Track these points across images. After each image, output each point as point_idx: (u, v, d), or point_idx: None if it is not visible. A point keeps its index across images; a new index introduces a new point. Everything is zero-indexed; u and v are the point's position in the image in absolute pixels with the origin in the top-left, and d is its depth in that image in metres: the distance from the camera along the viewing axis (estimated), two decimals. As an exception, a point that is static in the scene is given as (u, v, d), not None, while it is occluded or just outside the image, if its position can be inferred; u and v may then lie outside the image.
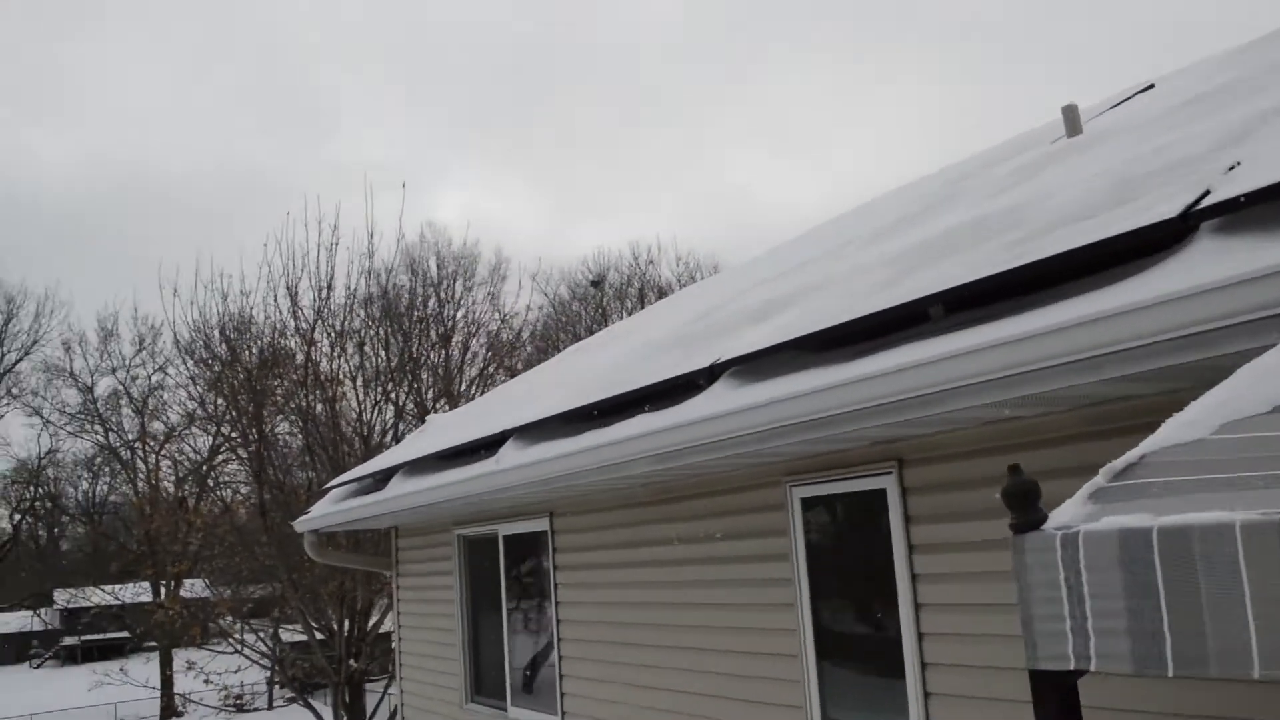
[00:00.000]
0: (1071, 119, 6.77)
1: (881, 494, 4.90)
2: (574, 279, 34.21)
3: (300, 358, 19.20)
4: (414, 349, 21.59)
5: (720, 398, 4.45)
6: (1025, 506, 1.91)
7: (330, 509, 9.50)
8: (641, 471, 5.19)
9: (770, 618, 5.50)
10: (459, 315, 23.84)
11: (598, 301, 34.64)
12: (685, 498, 6.17)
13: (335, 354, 19.72)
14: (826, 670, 5.19)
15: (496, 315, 24.34)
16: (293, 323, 19.15)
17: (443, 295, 24.21)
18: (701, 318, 6.80)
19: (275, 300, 18.85)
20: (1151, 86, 7.94)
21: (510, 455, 6.10)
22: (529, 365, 24.90)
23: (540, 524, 7.64)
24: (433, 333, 22.17)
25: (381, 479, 9.02)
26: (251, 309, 19.18)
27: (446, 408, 20.64)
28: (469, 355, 22.90)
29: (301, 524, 9.92)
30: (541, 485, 5.99)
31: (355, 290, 19.62)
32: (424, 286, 24.31)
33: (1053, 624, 1.79)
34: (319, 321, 19.07)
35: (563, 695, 7.35)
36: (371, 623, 19.41)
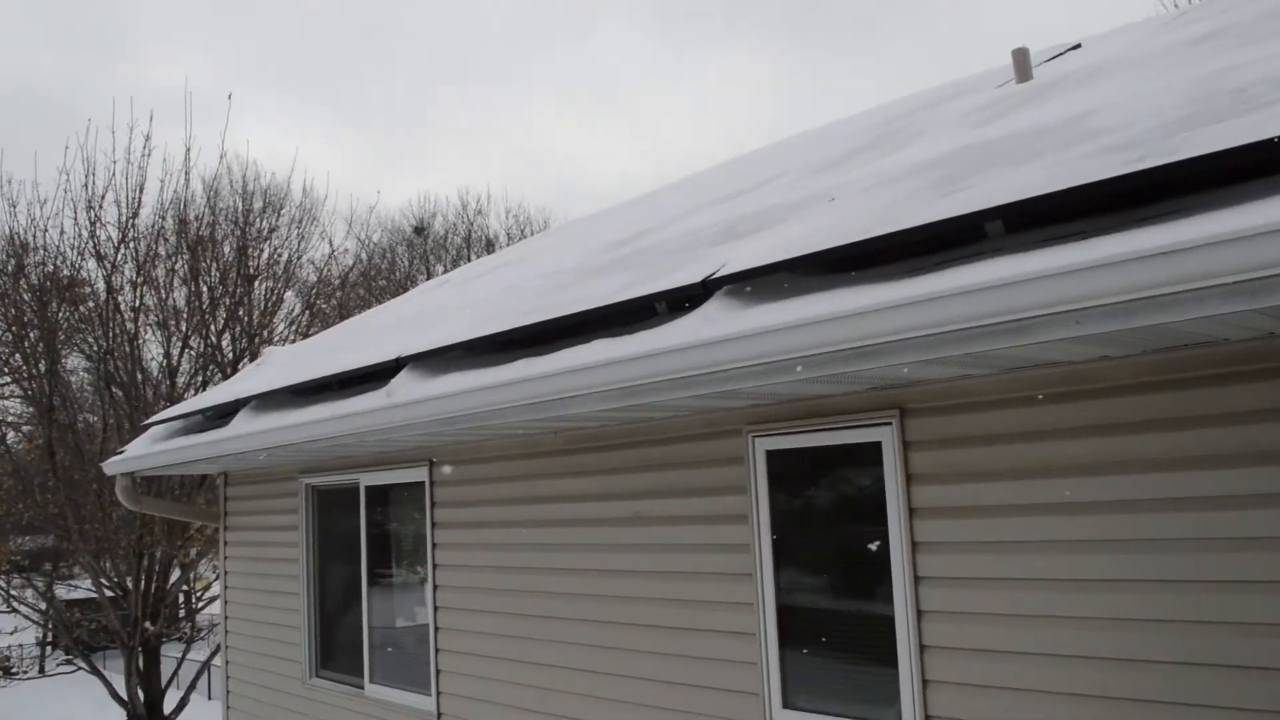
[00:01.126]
0: (1021, 64, 6.23)
1: (875, 448, 4.18)
2: (394, 225, 32.37)
3: (100, 285, 17.07)
4: (219, 287, 19.59)
5: (719, 321, 3.59)
6: None
7: (151, 448, 8.10)
8: (589, 410, 4.28)
9: (721, 589, 4.71)
10: (263, 256, 21.75)
11: (420, 249, 33.00)
12: (610, 447, 5.30)
13: (139, 284, 17.64)
14: (790, 652, 4.45)
15: (306, 259, 22.32)
16: (92, 243, 16.98)
17: (248, 231, 22.02)
18: (632, 240, 5.91)
19: (75, 215, 16.63)
20: (1079, 46, 7.55)
21: (408, 387, 5.05)
22: (345, 312, 23.25)
23: (416, 473, 6.61)
24: (233, 272, 20.11)
25: (217, 416, 7.73)
26: (46, 221, 16.83)
27: (248, 358, 18.85)
28: (272, 299, 20.95)
29: (114, 465, 8.45)
30: (446, 425, 4.98)
31: (167, 211, 17.55)
32: (227, 221, 22.10)
33: None
34: (124, 245, 16.97)
35: (438, 673, 6.37)
36: (171, 581, 17.62)
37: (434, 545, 6.46)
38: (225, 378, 18.39)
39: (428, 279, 32.09)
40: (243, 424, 6.64)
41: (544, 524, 5.67)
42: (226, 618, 8.96)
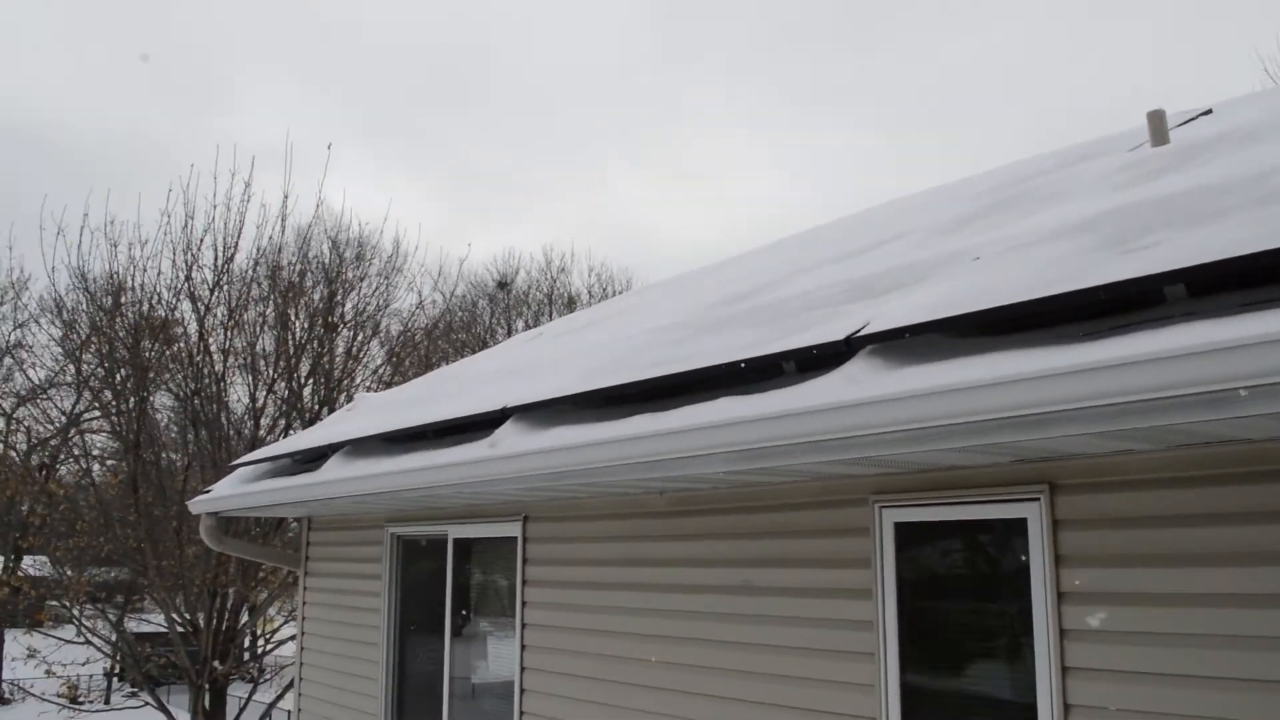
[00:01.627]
0: (1157, 127, 5.92)
1: (1019, 525, 3.85)
2: (477, 279, 32.64)
3: (193, 325, 17.31)
4: (306, 335, 19.75)
5: (865, 382, 3.32)
6: None
7: (238, 489, 8.01)
8: (710, 472, 4.03)
9: (839, 667, 4.38)
10: (349, 305, 21.87)
11: (503, 303, 33.20)
12: (720, 511, 5.03)
13: (230, 326, 17.86)
14: (916, 741, 4.10)
15: (392, 309, 22.42)
16: (187, 285, 17.25)
17: (336, 280, 22.20)
18: (747, 296, 5.70)
19: (173, 257, 16.93)
20: (1210, 112, 7.23)
21: (513, 439, 4.85)
22: (427, 364, 23.31)
23: (509, 528, 6.38)
24: (319, 320, 20.26)
25: (306, 459, 7.62)
26: (145, 261, 17.14)
27: (327, 408, 18.93)
28: (356, 347, 21.05)
29: (200, 504, 8.38)
30: (552, 480, 4.76)
31: (262, 257, 17.79)
32: (317, 269, 22.35)
33: None
34: (219, 287, 17.22)
35: (523, 735, 6.08)
36: (242, 622, 17.58)
37: (524, 603, 6.21)
38: (306, 425, 18.50)
39: (508, 333, 32.28)
40: (334, 469, 6.50)
41: (645, 588, 5.40)
42: (302, 664, 8.78)
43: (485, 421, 5.29)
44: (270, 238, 17.87)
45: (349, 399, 20.72)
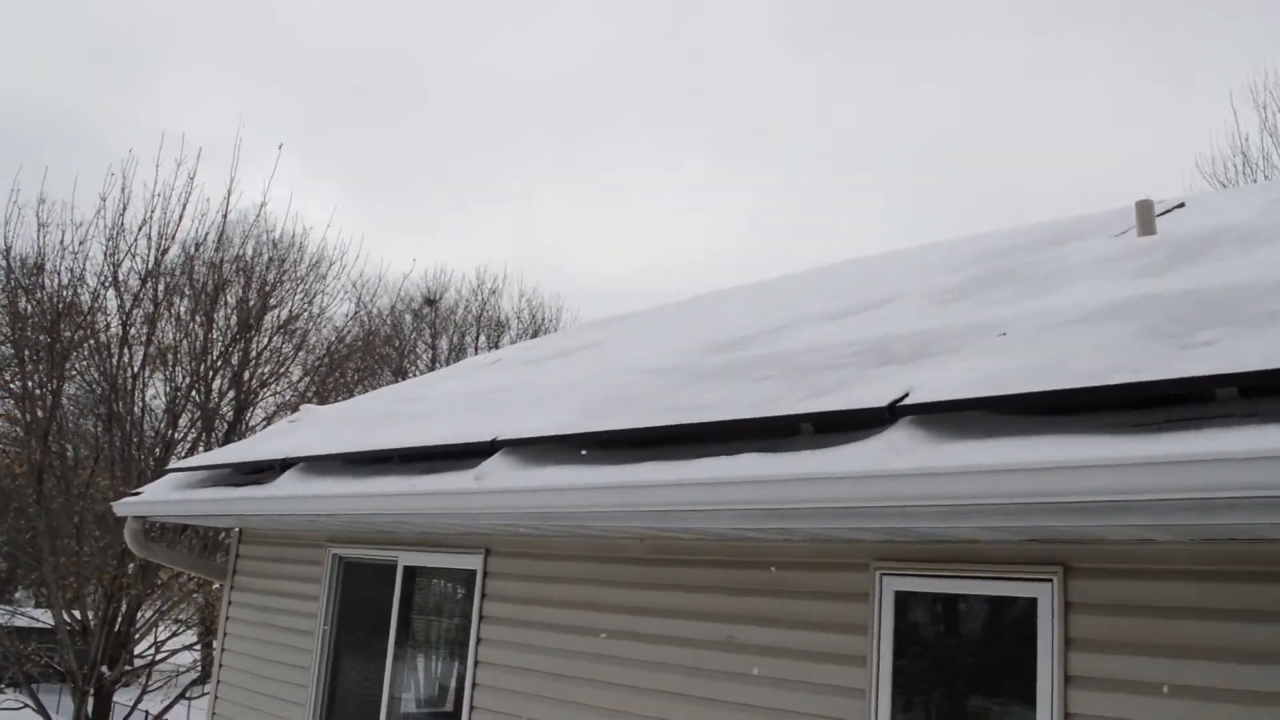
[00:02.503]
0: (1145, 216, 6.03)
1: (1029, 605, 3.80)
2: (403, 292, 31.99)
3: (115, 317, 16.59)
4: (226, 338, 19.04)
5: (909, 452, 3.25)
6: None
7: (173, 495, 7.62)
8: (721, 527, 3.92)
9: (827, 736, 4.26)
10: (273, 313, 21.10)
11: (429, 320, 32.68)
12: (705, 563, 4.89)
13: (154, 321, 17.17)
14: (905, 817, 3.99)
15: (320, 316, 21.70)
16: (114, 274, 16.54)
17: (258, 283, 21.35)
18: (740, 344, 5.62)
19: (104, 243, 16.21)
20: (1183, 205, 7.43)
21: (503, 474, 4.66)
22: (347, 379, 22.73)
23: (468, 560, 6.14)
24: (234, 319, 19.49)
25: (250, 470, 7.28)
26: (77, 245, 16.39)
27: (240, 417, 18.30)
28: (281, 358, 20.33)
29: (128, 507, 7.93)
30: (539, 520, 4.60)
31: (200, 251, 17.16)
32: (240, 271, 21.50)
33: None
34: (148, 280, 16.54)
35: (469, 778, 5.81)
36: (137, 627, 16.76)
37: (479, 640, 5.96)
38: (226, 433, 17.86)
39: (432, 353, 31.74)
40: (291, 486, 6.21)
41: (615, 635, 5.21)
42: (219, 681, 8.33)
43: (470, 451, 5.10)
44: (207, 235, 17.25)
45: (270, 411, 20.10)
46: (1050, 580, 3.75)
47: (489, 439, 4.94)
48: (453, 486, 4.85)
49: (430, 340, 32.58)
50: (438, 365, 30.82)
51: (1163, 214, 6.70)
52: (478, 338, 32.77)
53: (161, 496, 7.78)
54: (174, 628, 18.70)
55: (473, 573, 6.10)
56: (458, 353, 32.05)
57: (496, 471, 4.73)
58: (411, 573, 6.66)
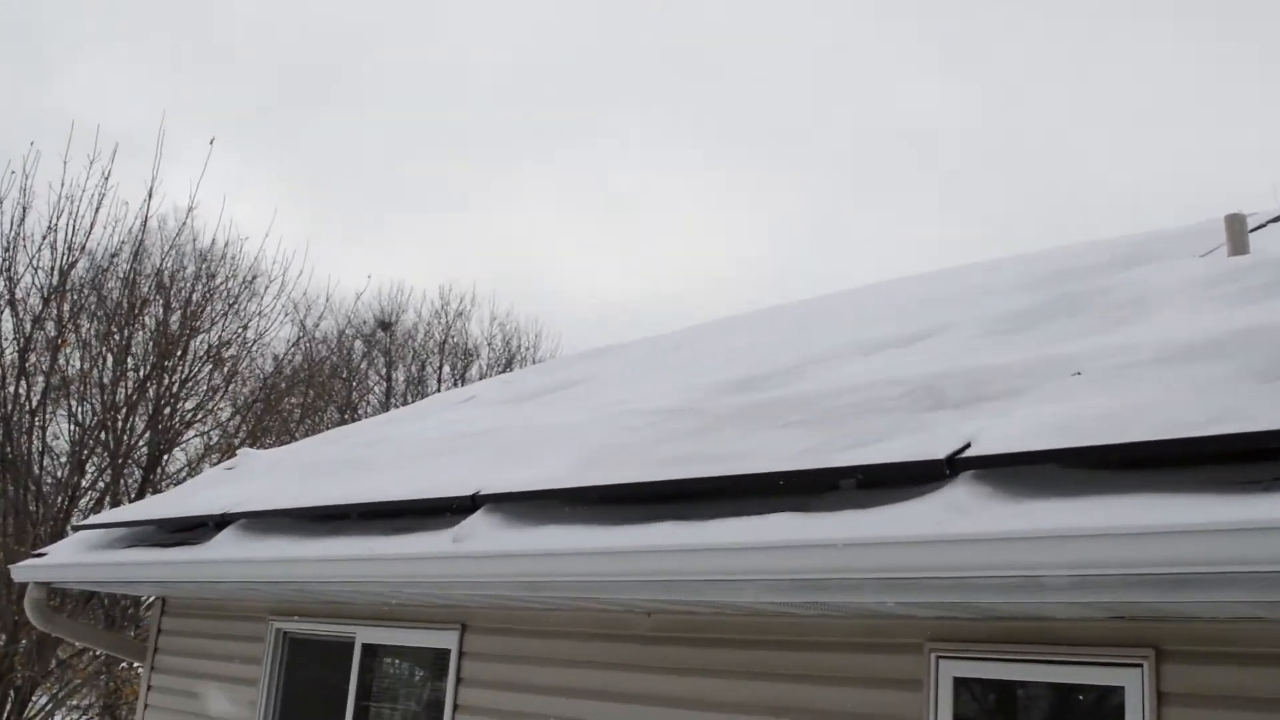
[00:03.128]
0: (1237, 234, 6.12)
1: (1115, 695, 3.83)
2: (354, 314, 32.04)
3: (10, 342, 16.59)
4: (144, 367, 19.01)
5: (975, 512, 3.29)
6: None
7: (85, 558, 7.63)
8: (747, 600, 3.95)
9: None
10: (201, 338, 21.06)
11: (384, 347, 32.73)
12: (724, 643, 4.91)
13: (59, 347, 17.18)
14: None
15: (257, 342, 21.66)
16: (6, 288, 16.55)
17: (173, 302, 21.26)
18: (757, 382, 5.69)
19: (4, 253, 16.25)
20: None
21: (488, 535, 4.69)
22: (283, 412, 22.68)
23: (441, 638, 6.15)
24: (151, 347, 19.44)
25: (178, 528, 7.30)
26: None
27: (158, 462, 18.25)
28: (191, 385, 20.30)
29: (27, 571, 7.93)
30: (530, 590, 4.64)
31: (114, 261, 17.20)
32: (155, 288, 21.44)
33: None
34: (52, 299, 16.57)
35: None
36: (26, 717, 16.63)
37: (453, 733, 5.96)
38: (143, 481, 17.82)
39: (387, 384, 31.76)
40: (231, 547, 6.23)
41: (617, 727, 5.23)
42: (137, 783, 8.30)
43: (446, 508, 5.13)
44: (123, 244, 17.30)
45: (194, 456, 20.05)
46: (1139, 666, 3.77)
47: (469, 493, 4.97)
48: (426, 550, 4.88)
49: (384, 371, 32.62)
50: (393, 401, 30.84)
51: (1256, 229, 6.79)
52: (440, 368, 32.83)
53: (71, 559, 7.78)
54: (75, 717, 18.57)
55: (446, 653, 6.11)
56: (417, 386, 32.08)
57: (478, 532, 4.76)
58: (372, 652, 6.66)
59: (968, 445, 3.54)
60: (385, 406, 30.06)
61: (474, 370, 32.19)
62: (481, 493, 4.93)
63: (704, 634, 4.98)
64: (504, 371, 28.00)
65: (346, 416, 27.80)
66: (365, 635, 6.64)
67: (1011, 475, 3.45)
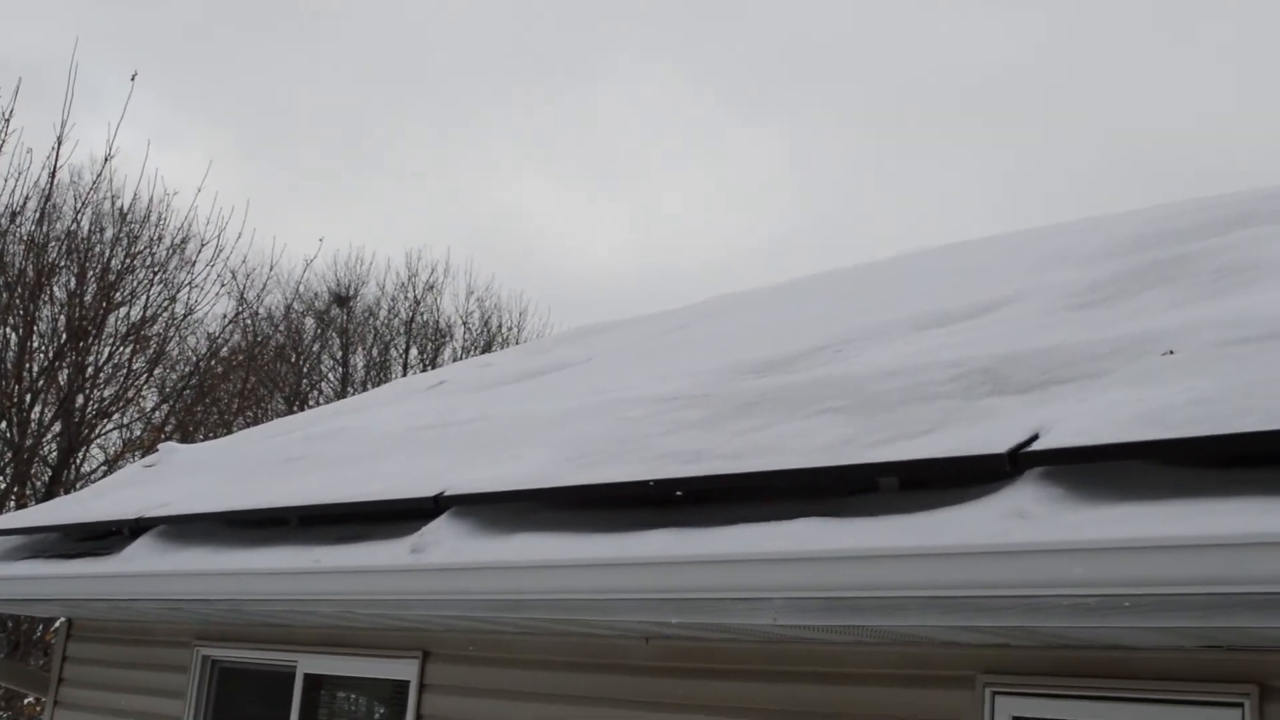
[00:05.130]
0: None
1: (1210, 739, 3.78)
2: (304, 286, 32.10)
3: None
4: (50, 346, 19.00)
5: (1042, 519, 3.25)
6: None
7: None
8: (762, 623, 3.94)
9: None
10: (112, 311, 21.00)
11: (341, 326, 32.81)
12: (737, 675, 4.90)
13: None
14: None
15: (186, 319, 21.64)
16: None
17: (96, 268, 21.21)
18: (786, 363, 5.68)
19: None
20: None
21: (453, 545, 4.68)
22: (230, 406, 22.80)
23: (398, 668, 6.15)
24: (61, 322, 19.40)
25: (85, 536, 7.30)
26: None
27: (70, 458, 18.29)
28: (110, 368, 20.30)
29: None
30: (508, 610, 4.65)
31: (17, 220, 17.23)
32: (70, 253, 21.38)
33: None
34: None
35: None
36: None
37: (413, 781, 5.96)
38: (51, 481, 17.89)
39: (343, 370, 31.82)
40: (147, 558, 6.26)
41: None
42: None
43: (404, 512, 5.13)
44: (27, 200, 17.32)
45: (114, 452, 20.12)
46: (1240, 706, 3.75)
47: (432, 494, 4.98)
48: (378, 562, 4.90)
49: (341, 354, 32.68)
50: (350, 388, 30.94)
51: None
52: (407, 350, 32.90)
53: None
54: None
55: (404, 685, 6.13)
56: (379, 371, 32.19)
57: (442, 541, 4.77)
58: (316, 684, 6.68)
59: (1035, 437, 3.52)
60: (341, 395, 30.16)
61: (446, 354, 32.29)
62: (446, 494, 4.95)
63: (713, 664, 4.98)
64: (483, 354, 28.06)
65: (296, 406, 27.88)
66: (308, 664, 6.66)
67: (1088, 473, 3.42)
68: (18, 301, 18.26)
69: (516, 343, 31.62)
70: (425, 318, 33.22)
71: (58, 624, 8.69)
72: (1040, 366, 4.35)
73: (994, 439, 3.57)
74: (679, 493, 4.32)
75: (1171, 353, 4.05)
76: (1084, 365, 4.21)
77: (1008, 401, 4.01)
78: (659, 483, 4.31)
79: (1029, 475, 3.45)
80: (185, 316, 20.49)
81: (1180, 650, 3.87)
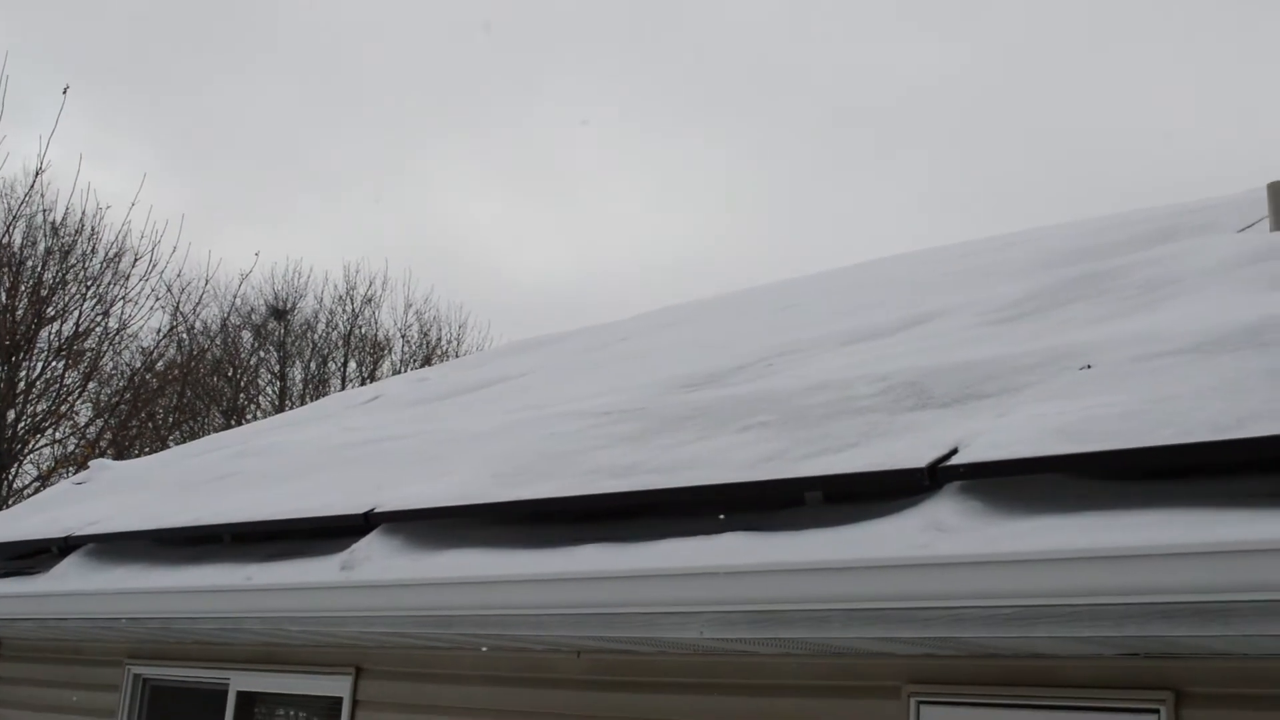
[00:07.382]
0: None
1: (1128, 746, 3.84)
2: (240, 299, 31.78)
3: None
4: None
5: (961, 532, 3.30)
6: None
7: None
8: (690, 636, 3.94)
9: None
10: (44, 325, 20.71)
11: (278, 339, 32.54)
12: (669, 687, 4.92)
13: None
14: None
15: (121, 332, 21.38)
16: None
17: (28, 282, 20.91)
18: (719, 378, 5.69)
19: None
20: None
21: (383, 562, 4.68)
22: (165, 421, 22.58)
23: (330, 685, 6.12)
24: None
25: (13, 556, 7.23)
26: None
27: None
28: (41, 383, 20.01)
29: None
30: (438, 628, 4.64)
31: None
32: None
33: None
34: None
35: None
36: None
37: (347, 798, 5.94)
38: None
39: (280, 384, 31.57)
40: (76, 578, 6.21)
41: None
42: None
43: (335, 528, 5.12)
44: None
45: (45, 467, 19.87)
46: (1156, 711, 3.80)
47: (363, 511, 4.99)
48: (308, 579, 4.91)
49: (278, 368, 32.41)
50: (289, 402, 30.69)
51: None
52: (345, 364, 32.68)
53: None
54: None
55: (338, 702, 6.09)
56: (317, 384, 31.94)
57: (373, 557, 4.77)
58: (249, 701, 6.63)
59: (954, 451, 3.57)
60: (280, 408, 29.91)
61: (385, 367, 32.09)
62: (377, 510, 4.95)
63: (644, 677, 4.99)
64: (421, 368, 27.92)
65: (233, 421, 27.63)
66: (241, 682, 6.61)
67: (1006, 487, 3.47)
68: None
69: (456, 355, 31.54)
70: (364, 331, 33.06)
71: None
72: (964, 380, 4.41)
73: (915, 454, 3.63)
74: (610, 508, 4.36)
75: (1089, 367, 4.12)
76: (1006, 379, 4.27)
77: (930, 415, 4.06)
78: (591, 497, 4.34)
79: (948, 489, 3.51)
80: (119, 331, 20.26)
81: (1100, 658, 3.93)
